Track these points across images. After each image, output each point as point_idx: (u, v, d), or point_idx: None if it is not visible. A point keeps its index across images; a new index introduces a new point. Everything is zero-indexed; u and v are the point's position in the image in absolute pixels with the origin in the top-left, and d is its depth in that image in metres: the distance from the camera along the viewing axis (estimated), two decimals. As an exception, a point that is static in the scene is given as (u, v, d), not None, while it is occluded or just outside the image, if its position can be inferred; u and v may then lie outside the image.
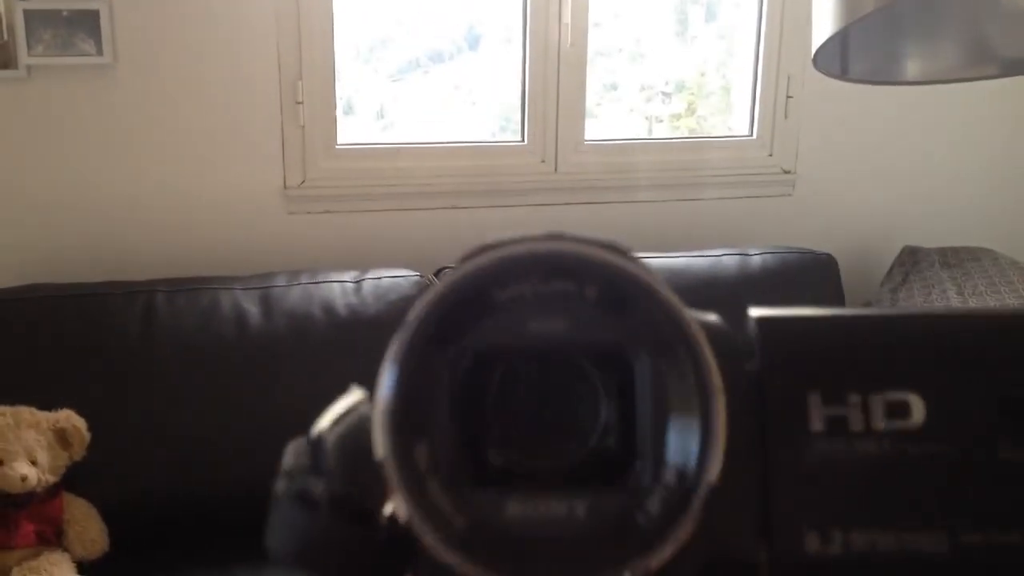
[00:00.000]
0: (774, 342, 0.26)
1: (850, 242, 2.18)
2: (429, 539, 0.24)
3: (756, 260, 1.95)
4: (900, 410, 0.25)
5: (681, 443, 0.24)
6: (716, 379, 0.24)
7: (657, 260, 1.89)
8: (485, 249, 0.25)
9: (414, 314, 0.24)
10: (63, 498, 1.53)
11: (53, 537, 1.50)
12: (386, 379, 0.24)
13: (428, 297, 0.24)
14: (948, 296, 1.96)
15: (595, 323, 0.24)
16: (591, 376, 0.25)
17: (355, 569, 0.26)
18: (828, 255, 2.00)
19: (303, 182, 1.92)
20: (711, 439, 0.24)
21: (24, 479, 1.46)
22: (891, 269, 2.10)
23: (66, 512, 1.53)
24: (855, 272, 2.13)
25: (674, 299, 0.24)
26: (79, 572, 1.46)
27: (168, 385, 1.62)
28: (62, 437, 1.52)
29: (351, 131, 2.07)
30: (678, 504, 0.24)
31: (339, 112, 1.96)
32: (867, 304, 2.07)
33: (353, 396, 0.29)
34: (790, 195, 2.21)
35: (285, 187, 1.91)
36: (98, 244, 1.83)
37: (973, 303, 1.92)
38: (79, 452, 1.54)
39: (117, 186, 1.83)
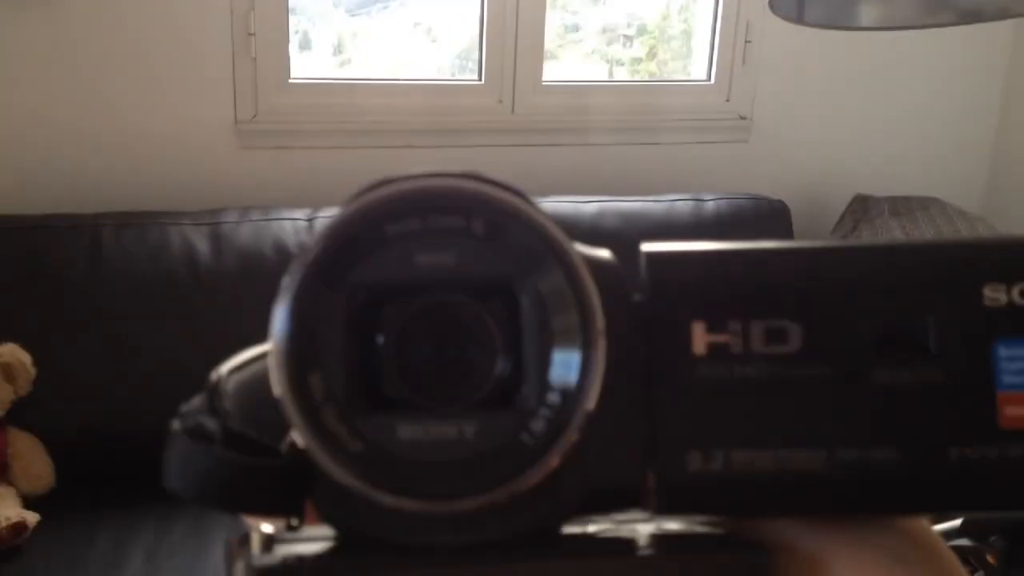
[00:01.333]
0: (660, 274, 0.27)
1: (803, 189, 2.20)
2: (326, 464, 0.25)
3: (710, 206, 1.96)
4: (778, 336, 0.26)
5: (563, 366, 0.25)
6: (594, 301, 0.25)
7: (612, 204, 1.90)
8: (377, 185, 0.25)
9: (306, 250, 0.25)
10: (7, 433, 1.52)
11: (-2, 471, 1.49)
12: (279, 315, 0.25)
13: (320, 233, 0.25)
14: (897, 245, 1.99)
15: (482, 256, 0.25)
16: (481, 309, 0.26)
17: (253, 499, 0.27)
18: (780, 202, 2.02)
19: (255, 116, 1.88)
20: (591, 359, 0.25)
21: (-33, 413, 1.44)
22: (842, 217, 2.12)
23: (11, 447, 1.51)
24: (807, 219, 2.15)
25: (557, 232, 0.25)
26: (26, 506, 1.45)
27: (115, 320, 1.60)
28: (6, 371, 1.50)
29: (308, 66, 2.03)
30: (561, 423, 0.25)
31: (296, 47, 1.92)
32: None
33: (259, 347, 0.29)
34: (746, 141, 2.21)
35: (236, 121, 1.87)
36: (42, 176, 1.78)
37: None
38: (24, 387, 1.52)
39: (63, 116, 1.78)
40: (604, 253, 0.27)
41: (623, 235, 1.86)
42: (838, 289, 0.27)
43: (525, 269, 0.25)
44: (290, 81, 1.90)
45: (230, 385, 0.29)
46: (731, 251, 0.27)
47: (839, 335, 0.26)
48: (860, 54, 2.21)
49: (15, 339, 1.53)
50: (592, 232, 1.84)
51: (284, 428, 0.26)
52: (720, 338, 0.26)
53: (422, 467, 0.25)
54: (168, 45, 1.80)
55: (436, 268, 0.25)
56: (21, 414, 1.53)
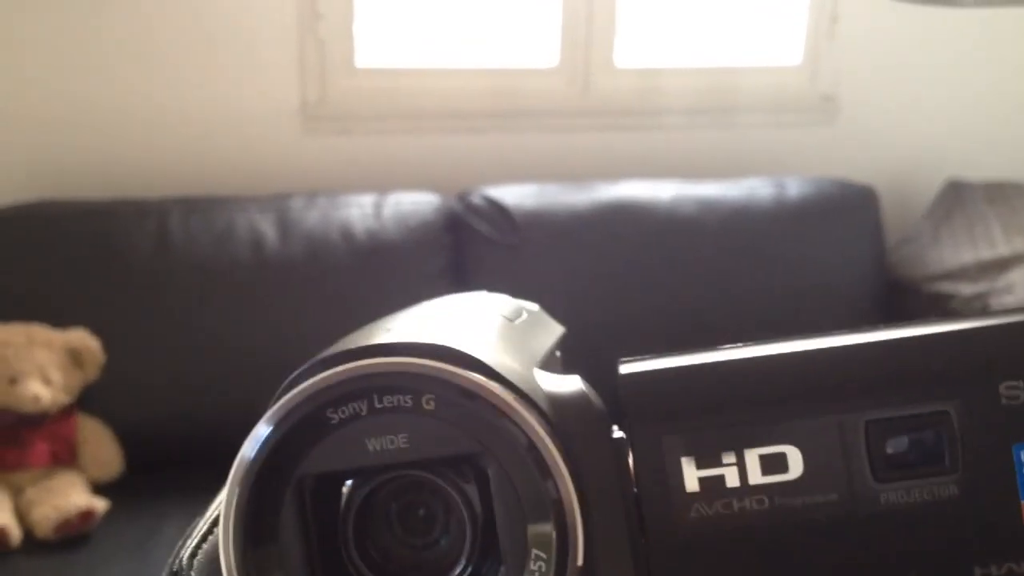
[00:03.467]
0: (638, 402, 0.25)
1: (892, 173, 2.09)
2: None
3: (793, 191, 1.87)
4: (776, 463, 0.24)
5: (539, 547, 0.23)
6: (566, 484, 0.23)
7: (689, 189, 1.82)
8: (314, 368, 0.24)
9: (249, 449, 0.24)
10: (77, 418, 1.52)
11: (68, 457, 1.49)
12: (230, 517, 0.24)
13: (261, 430, 0.24)
14: (992, 234, 1.87)
15: (435, 435, 0.24)
16: (442, 488, 0.25)
17: None
18: (868, 187, 1.91)
19: (321, 100, 1.85)
20: (567, 546, 0.23)
21: (37, 399, 1.44)
22: (934, 203, 2.01)
23: (80, 433, 1.51)
24: (896, 205, 2.04)
25: (510, 398, 0.23)
26: (94, 493, 1.45)
27: (182, 306, 1.59)
28: (75, 357, 1.50)
29: (374, 47, 1.99)
30: None
31: (361, 27, 1.88)
32: (907, 239, 1.99)
33: (212, 512, 0.29)
34: (832, 123, 2.11)
35: (303, 105, 1.84)
36: (109, 161, 1.78)
37: (1019, 242, 1.83)
38: (93, 372, 1.52)
39: (129, 100, 1.77)
40: (574, 386, 0.25)
41: (700, 222, 1.78)
42: (830, 395, 0.24)
43: (486, 445, 0.23)
44: (357, 64, 1.87)
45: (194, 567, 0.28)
46: (711, 364, 0.25)
47: (841, 455, 0.24)
48: (953, 30, 2.08)
49: (84, 325, 1.52)
50: (668, 219, 1.77)
51: None
52: (714, 471, 0.24)
53: None
54: (235, 29, 1.78)
55: (387, 452, 0.24)
56: (90, 400, 1.54)
